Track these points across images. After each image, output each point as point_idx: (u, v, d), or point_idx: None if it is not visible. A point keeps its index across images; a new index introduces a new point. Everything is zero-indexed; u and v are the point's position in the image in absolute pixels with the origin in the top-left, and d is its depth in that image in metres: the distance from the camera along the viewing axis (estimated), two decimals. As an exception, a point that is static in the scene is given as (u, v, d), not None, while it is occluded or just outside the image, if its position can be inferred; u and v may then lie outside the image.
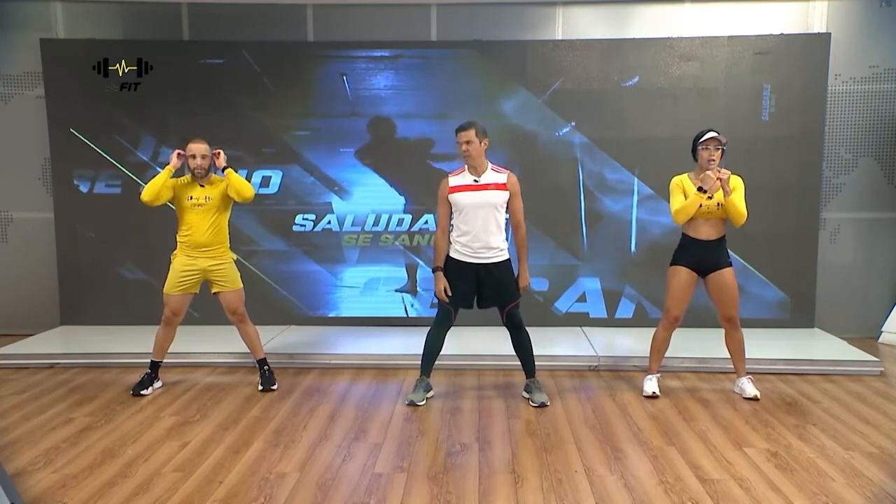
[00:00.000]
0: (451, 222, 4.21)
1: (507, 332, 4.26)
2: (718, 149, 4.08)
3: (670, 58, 5.60)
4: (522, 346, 4.27)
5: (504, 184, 4.10)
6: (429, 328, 4.29)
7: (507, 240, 4.17)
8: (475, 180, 4.09)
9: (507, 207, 4.15)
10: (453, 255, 4.18)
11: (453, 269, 4.17)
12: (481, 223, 4.06)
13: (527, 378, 4.30)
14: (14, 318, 5.98)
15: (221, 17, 5.82)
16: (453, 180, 4.16)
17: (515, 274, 4.19)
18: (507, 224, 4.19)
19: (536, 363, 4.28)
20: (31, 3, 5.81)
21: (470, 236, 4.09)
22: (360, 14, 5.82)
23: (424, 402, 4.20)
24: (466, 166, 4.14)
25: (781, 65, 5.55)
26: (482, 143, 4.07)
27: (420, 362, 4.28)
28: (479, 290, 4.17)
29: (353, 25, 5.81)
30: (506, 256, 4.16)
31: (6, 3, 5.78)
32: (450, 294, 4.12)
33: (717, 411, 4.07)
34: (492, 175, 4.11)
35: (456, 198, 4.12)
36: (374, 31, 5.78)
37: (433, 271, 4.19)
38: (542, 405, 4.13)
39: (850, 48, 5.64)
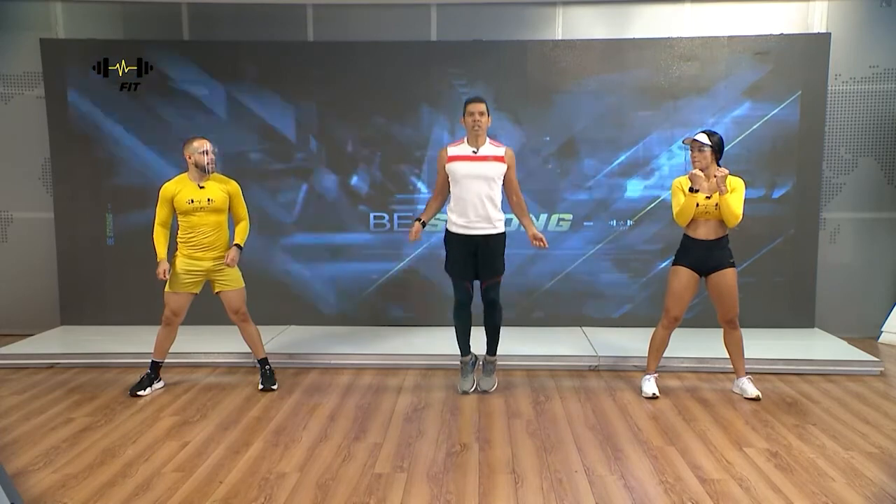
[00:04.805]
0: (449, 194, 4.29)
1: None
2: (701, 150, 4.10)
3: (670, 58, 5.60)
4: (493, 323, 4.34)
5: (502, 156, 4.18)
6: (451, 316, 4.38)
7: (501, 210, 4.23)
8: (473, 151, 4.16)
9: (503, 181, 4.23)
10: (451, 228, 4.24)
11: (453, 243, 4.24)
12: (477, 194, 4.12)
13: (486, 354, 4.40)
14: (14, 318, 5.98)
15: (221, 17, 5.82)
16: (452, 150, 4.22)
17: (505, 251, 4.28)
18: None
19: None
20: (31, 3, 5.81)
21: (467, 206, 4.14)
22: (361, 14, 5.82)
23: (475, 385, 4.39)
24: (466, 138, 4.21)
25: (781, 65, 5.55)
26: (489, 119, 4.20)
27: (457, 347, 4.42)
28: (476, 261, 4.23)
29: (353, 25, 5.81)
30: (501, 230, 4.23)
31: (6, 3, 5.78)
32: (418, 238, 4.29)
33: (717, 411, 4.07)
34: (490, 148, 4.19)
35: (453, 167, 4.16)
36: (375, 31, 5.79)
37: (415, 220, 4.31)
38: (484, 392, 4.34)
39: (850, 48, 5.64)
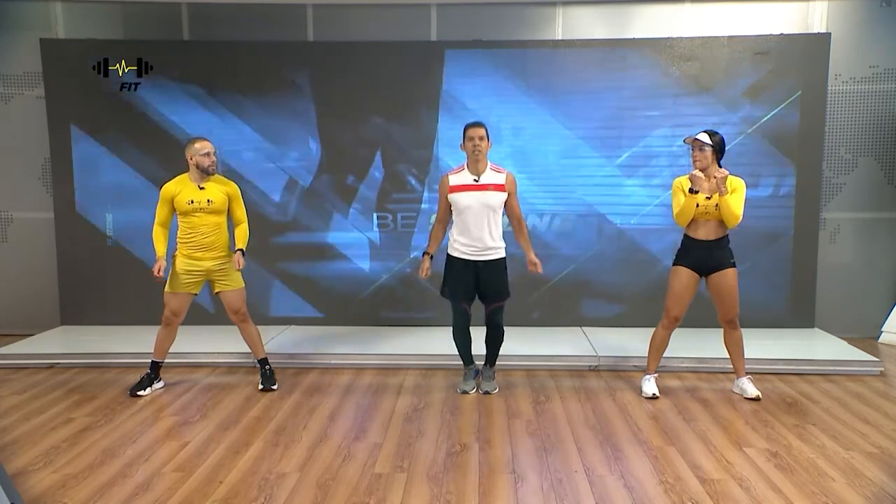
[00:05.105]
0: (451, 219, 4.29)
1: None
2: (702, 149, 4.09)
3: (670, 58, 5.60)
4: (495, 341, 4.40)
5: (503, 184, 4.16)
6: (451, 329, 4.41)
7: (502, 238, 4.24)
8: (475, 180, 4.13)
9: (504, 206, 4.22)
10: (454, 253, 4.23)
11: (455, 268, 4.23)
12: (480, 223, 4.12)
13: (485, 364, 4.46)
14: (14, 318, 5.99)
15: (221, 17, 5.82)
16: (453, 179, 4.19)
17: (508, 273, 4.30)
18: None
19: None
20: (31, 3, 5.81)
21: (469, 235, 4.15)
22: (361, 14, 5.82)
23: (475, 389, 4.40)
24: (467, 164, 4.19)
25: (781, 65, 5.55)
26: (489, 143, 4.16)
27: (460, 358, 4.48)
28: (478, 286, 4.24)
29: (353, 25, 5.81)
30: (502, 255, 4.23)
31: (6, 3, 5.78)
32: (429, 275, 4.28)
33: (717, 411, 4.07)
34: (491, 175, 4.16)
35: (455, 198, 4.15)
36: (375, 31, 5.79)
37: (423, 254, 4.31)
38: (486, 393, 4.36)
39: (850, 48, 5.64)
